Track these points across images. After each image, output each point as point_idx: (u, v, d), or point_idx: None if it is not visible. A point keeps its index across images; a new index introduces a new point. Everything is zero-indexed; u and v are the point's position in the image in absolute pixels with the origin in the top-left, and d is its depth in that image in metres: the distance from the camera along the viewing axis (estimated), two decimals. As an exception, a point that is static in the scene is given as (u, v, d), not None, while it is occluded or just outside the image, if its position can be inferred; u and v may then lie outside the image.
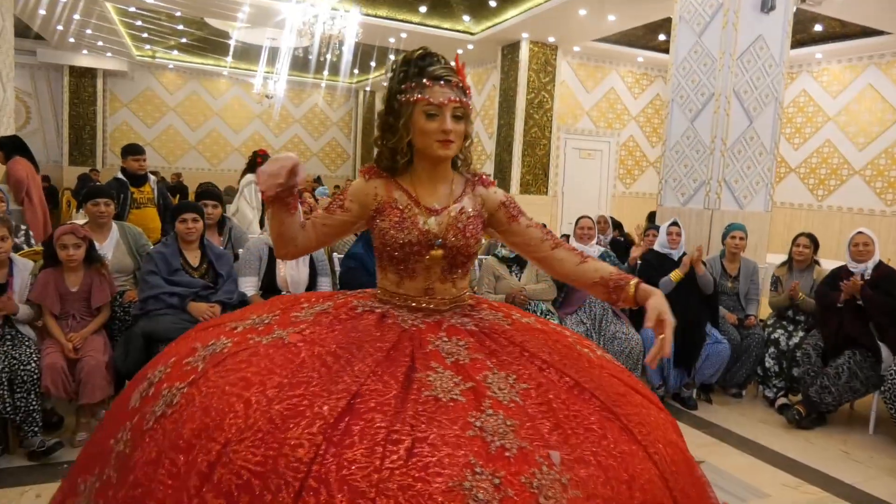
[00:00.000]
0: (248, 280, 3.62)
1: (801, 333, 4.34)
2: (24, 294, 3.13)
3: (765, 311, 4.84)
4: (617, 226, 6.51)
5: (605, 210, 10.28)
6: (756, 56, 5.15)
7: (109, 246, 3.80)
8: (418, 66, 1.63)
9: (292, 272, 3.62)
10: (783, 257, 4.81)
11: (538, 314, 4.12)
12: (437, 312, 1.66)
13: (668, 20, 7.63)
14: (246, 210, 5.36)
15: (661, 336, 1.52)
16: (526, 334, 1.65)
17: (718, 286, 4.70)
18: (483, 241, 1.84)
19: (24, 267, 3.17)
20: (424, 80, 1.61)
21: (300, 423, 1.23)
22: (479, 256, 4.69)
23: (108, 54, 12.85)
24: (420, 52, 1.65)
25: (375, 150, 1.73)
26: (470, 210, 1.70)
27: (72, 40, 11.59)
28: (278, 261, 3.59)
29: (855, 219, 8.55)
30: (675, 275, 4.27)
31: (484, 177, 1.79)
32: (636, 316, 4.49)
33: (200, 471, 1.20)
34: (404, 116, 1.63)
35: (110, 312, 3.41)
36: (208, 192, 4.15)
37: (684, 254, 4.43)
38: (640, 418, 1.46)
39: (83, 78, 13.42)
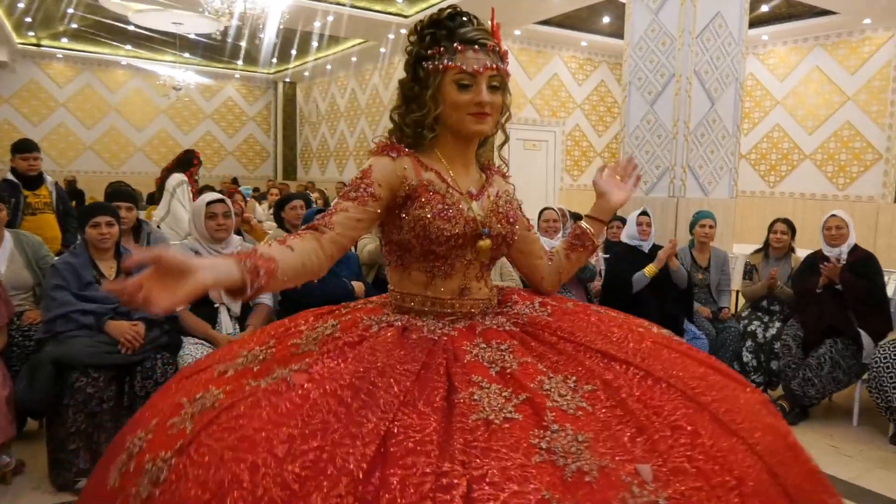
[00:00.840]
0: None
1: (777, 324, 4.41)
2: None
3: (737, 302, 4.92)
4: (576, 218, 6.51)
5: (554, 203, 10.36)
6: (715, 34, 5.24)
7: (2, 258, 3.47)
8: (447, 28, 1.49)
9: (228, 281, 3.36)
10: (748, 247, 4.90)
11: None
12: (468, 317, 1.53)
13: (612, 1, 7.75)
14: (180, 212, 5.10)
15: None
16: (572, 321, 1.52)
17: (690, 278, 4.74)
18: None
19: None
20: (456, 45, 1.48)
21: (322, 483, 1.04)
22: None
23: (-16, 42, 12.03)
24: (449, 10, 1.51)
25: (391, 125, 1.59)
26: (503, 193, 1.63)
27: (-62, 25, 10.77)
28: (211, 268, 3.33)
29: (808, 204, 8.93)
30: (650, 270, 4.26)
31: (504, 171, 1.73)
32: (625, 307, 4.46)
33: None
34: (432, 87, 1.50)
35: (6, 338, 3.08)
36: (121, 192, 3.84)
37: (655, 246, 4.44)
38: (729, 403, 1.31)
39: (-47, 69, 12.51)
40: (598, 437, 1.17)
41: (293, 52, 12.82)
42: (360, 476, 1.05)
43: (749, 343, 4.42)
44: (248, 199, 8.55)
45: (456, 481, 1.04)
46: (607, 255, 4.73)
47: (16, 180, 4.46)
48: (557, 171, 11.02)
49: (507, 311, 1.58)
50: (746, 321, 4.53)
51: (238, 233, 4.44)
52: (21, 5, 10.13)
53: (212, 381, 1.33)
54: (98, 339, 2.99)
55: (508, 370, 1.31)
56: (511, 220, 1.59)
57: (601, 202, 1.76)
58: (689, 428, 1.22)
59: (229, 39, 9.67)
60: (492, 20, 1.55)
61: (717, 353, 4.47)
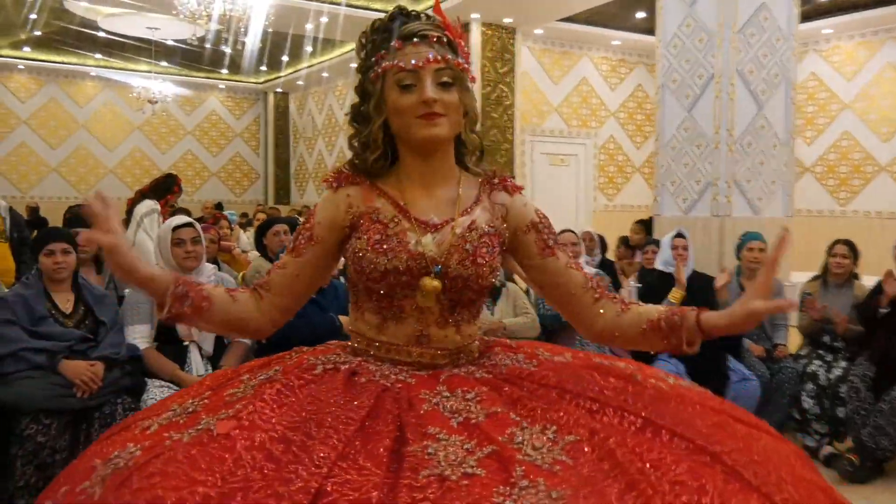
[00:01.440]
0: (139, 328, 3.45)
1: (843, 364, 4.40)
2: None
3: (796, 339, 4.92)
4: (603, 244, 6.57)
5: (587, 227, 10.42)
6: (760, 28, 5.33)
7: (-54, 293, 3.60)
8: (388, 31, 1.52)
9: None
10: (809, 275, 4.91)
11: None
12: (433, 368, 1.52)
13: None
14: (146, 245, 5.26)
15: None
16: (562, 372, 1.50)
17: (737, 310, 4.76)
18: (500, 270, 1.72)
19: None
20: (394, 43, 1.50)
21: None
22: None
23: (-64, 53, 12.50)
24: (392, 11, 1.54)
25: (351, 154, 1.62)
26: (484, 225, 1.56)
27: None
28: (180, 300, 3.44)
29: (886, 224, 8.90)
30: (675, 295, 4.29)
31: (508, 179, 1.66)
32: (639, 355, 4.49)
33: None
34: (375, 96, 1.52)
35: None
36: (80, 216, 3.98)
37: (695, 273, 4.48)
38: (751, 454, 1.30)
39: None
40: (579, 493, 1.16)
41: (284, 58, 13.14)
42: None
43: (809, 386, 4.40)
44: (234, 225, 8.72)
45: None
46: (639, 285, 4.78)
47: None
48: (589, 190, 11.11)
49: (483, 362, 1.56)
50: (806, 360, 4.53)
51: (214, 262, 4.56)
52: (-22, 11, 10.54)
53: (132, 438, 1.35)
54: (51, 381, 3.08)
55: (473, 421, 1.31)
56: (480, 259, 1.52)
57: (724, 322, 1.47)
58: (694, 483, 1.20)
59: (209, 45, 9.93)
60: (437, 8, 1.56)
61: (772, 398, 4.48)
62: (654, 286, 4.56)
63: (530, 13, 9.26)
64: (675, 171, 5.66)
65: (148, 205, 5.63)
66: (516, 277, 4.50)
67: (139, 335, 3.48)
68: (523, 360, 1.56)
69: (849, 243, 4.72)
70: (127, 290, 3.80)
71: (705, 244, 5.38)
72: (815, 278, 4.80)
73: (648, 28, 10.11)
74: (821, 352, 4.56)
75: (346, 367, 1.49)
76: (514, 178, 1.71)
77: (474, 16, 9.32)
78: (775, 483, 1.26)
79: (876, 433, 3.96)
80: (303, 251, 1.55)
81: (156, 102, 12.92)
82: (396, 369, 1.50)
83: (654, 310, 1.56)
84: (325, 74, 14.00)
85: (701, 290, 4.36)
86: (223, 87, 16.08)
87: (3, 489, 2.97)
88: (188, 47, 11.36)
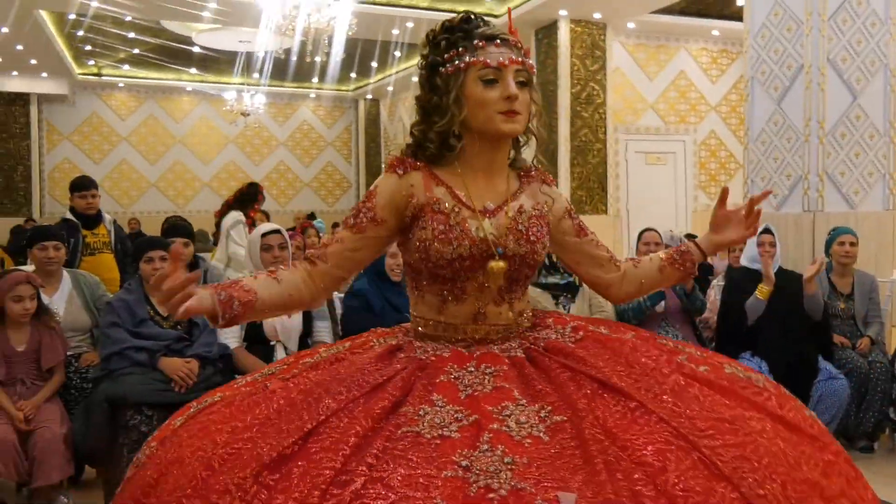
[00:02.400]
0: (229, 330, 3.88)
1: (943, 362, 4.43)
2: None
3: (893, 339, 4.94)
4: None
5: (686, 227, 10.42)
6: (853, 14, 5.36)
7: (61, 299, 4.11)
8: (463, 31, 1.69)
9: (282, 318, 3.86)
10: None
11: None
12: (485, 342, 1.72)
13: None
14: (240, 253, 5.63)
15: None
16: (597, 348, 1.69)
17: (828, 308, 4.83)
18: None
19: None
20: (476, 42, 1.66)
21: (233, 469, 1.37)
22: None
23: (44, 74, 13.59)
24: (463, 14, 1.72)
25: (411, 140, 1.80)
26: (530, 209, 1.76)
27: (-1, 61, 12.34)
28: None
29: None
30: (762, 291, 4.42)
31: (546, 174, 1.88)
32: (723, 349, 4.63)
33: None
34: (454, 89, 1.66)
35: (64, 377, 3.69)
36: (176, 227, 4.48)
37: (781, 270, 4.59)
38: (743, 450, 1.42)
39: (13, 106, 14.18)
40: (533, 462, 1.34)
41: (373, 65, 13.59)
42: (268, 462, 1.36)
43: (906, 385, 4.45)
44: (322, 234, 9.23)
45: (355, 479, 1.30)
46: (722, 283, 4.91)
47: (75, 220, 5.22)
48: (689, 189, 11.10)
49: (529, 336, 1.76)
50: (903, 358, 4.58)
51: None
52: (80, 33, 11.43)
53: (229, 387, 1.74)
54: (152, 377, 3.54)
55: (478, 392, 1.52)
56: (532, 237, 1.72)
57: (712, 235, 1.92)
58: (657, 464, 1.35)
59: (293, 57, 10.49)
60: (509, 18, 1.81)
61: (867, 396, 4.54)
62: (740, 283, 4.69)
63: (621, 7, 9.36)
64: (766, 166, 5.75)
65: (233, 216, 6.00)
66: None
67: (229, 335, 3.90)
68: (568, 334, 1.75)
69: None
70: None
71: (797, 240, 5.46)
72: (915, 274, 4.83)
73: (748, 16, 10.06)
74: (920, 350, 4.60)
75: (394, 343, 1.75)
76: (551, 174, 1.95)
77: (562, 12, 9.50)
78: (758, 479, 1.36)
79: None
80: (364, 228, 1.70)
81: (248, 114, 13.64)
82: (441, 346, 1.71)
83: (660, 252, 1.95)
84: (414, 79, 14.36)
85: (786, 287, 4.49)
86: (314, 96, 16.66)
87: (112, 477, 3.40)
88: (278, 59, 11.97)
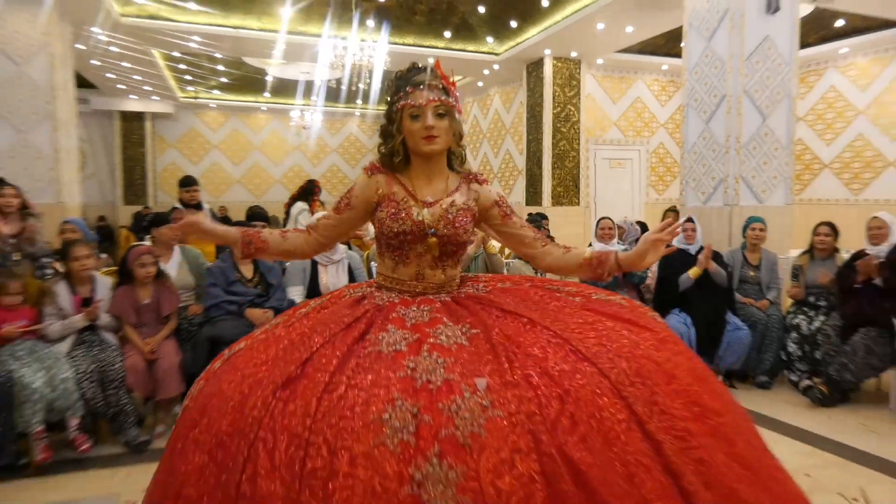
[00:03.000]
0: (295, 289, 4.09)
1: (822, 318, 4.57)
2: (105, 306, 3.67)
3: (786, 302, 5.08)
4: (644, 229, 6.81)
5: (640, 216, 10.52)
6: (765, 56, 5.44)
7: (173, 266, 4.33)
8: (405, 79, 1.87)
9: (332, 279, 4.07)
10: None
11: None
12: (424, 295, 1.87)
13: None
14: None
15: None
16: (501, 294, 1.86)
17: (741, 275, 4.98)
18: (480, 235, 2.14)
19: (104, 283, 3.72)
20: (408, 89, 1.84)
21: (257, 390, 1.53)
22: (507, 260, 5.09)
23: (155, 98, 13.78)
24: (409, 66, 1.91)
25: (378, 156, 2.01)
26: (460, 203, 1.90)
27: (121, 87, 12.52)
28: (320, 270, 4.06)
29: (894, 209, 8.60)
30: (694, 272, 4.59)
31: (479, 175, 1.99)
32: (658, 307, 4.79)
33: (194, 437, 1.55)
34: (396, 122, 1.87)
35: (177, 322, 3.92)
36: (257, 214, 4.68)
37: (702, 248, 4.73)
38: (600, 340, 1.61)
39: (133, 122, 14.39)
40: (458, 360, 1.52)
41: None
42: (281, 382, 1.52)
43: (794, 335, 4.59)
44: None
45: (339, 386, 1.48)
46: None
47: (182, 208, 5.44)
48: (643, 187, 11.17)
49: (454, 291, 1.92)
50: (792, 315, 4.71)
51: (348, 245, 5.19)
52: (182, 66, 11.63)
53: (251, 336, 1.85)
54: (240, 322, 3.77)
55: (419, 321, 1.69)
56: (457, 224, 1.86)
57: (634, 258, 1.86)
58: (540, 354, 1.54)
59: (343, 85, 10.62)
60: (437, 66, 1.90)
61: (764, 343, 4.69)
62: (672, 260, 4.83)
63: (592, 47, 9.36)
64: (696, 171, 5.86)
65: (299, 206, 6.22)
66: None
67: (295, 293, 4.12)
68: (481, 288, 1.94)
69: (830, 224, 4.84)
70: (288, 263, 4.45)
71: (719, 227, 5.58)
72: (804, 253, 4.94)
73: (690, 55, 10.07)
74: (805, 308, 4.73)
75: (360, 294, 1.91)
76: (484, 175, 2.03)
77: (546, 51, 9.56)
78: (610, 358, 1.54)
79: (841, 369, 4.14)
80: (342, 211, 1.94)
81: (308, 128, 13.76)
82: (393, 295, 1.87)
83: (587, 251, 1.95)
84: (434, 102, 14.50)
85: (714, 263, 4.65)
86: (359, 114, 16.68)
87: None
88: (331, 86, 12.09)
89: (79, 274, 3.59)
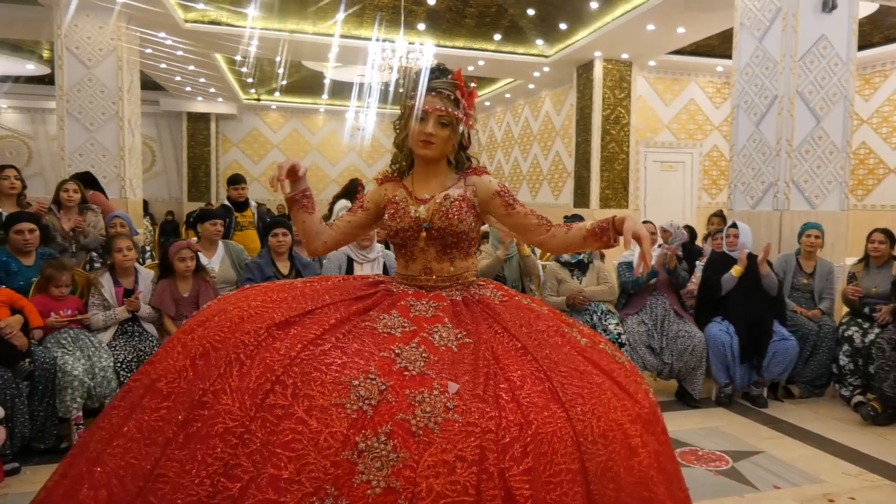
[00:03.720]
0: (331, 285, 4.06)
1: (876, 330, 4.25)
2: (147, 297, 3.72)
3: (840, 312, 4.77)
4: (693, 234, 6.52)
5: (691, 221, 10.14)
6: (820, 56, 5.11)
7: (217, 260, 4.38)
8: (418, 81, 1.88)
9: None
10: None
11: (598, 314, 4.32)
12: (437, 288, 1.87)
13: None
14: None
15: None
16: (512, 310, 1.81)
17: (793, 282, 4.70)
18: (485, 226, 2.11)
19: (146, 275, 3.78)
20: (419, 91, 1.86)
21: (256, 320, 1.63)
22: (543, 262, 4.94)
23: (220, 100, 14.16)
24: (433, 66, 1.91)
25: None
26: (455, 195, 1.88)
27: (188, 89, 12.90)
28: (355, 268, 4.01)
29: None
30: (737, 270, 4.36)
31: (477, 167, 1.97)
32: (700, 315, 4.56)
33: (185, 342, 1.64)
34: (405, 118, 1.91)
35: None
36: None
37: (751, 255, 4.48)
38: (581, 390, 1.54)
39: (199, 122, 14.84)
40: (441, 360, 1.54)
41: (456, 93, 13.56)
42: (278, 322, 1.61)
43: (846, 347, 4.29)
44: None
45: (326, 343, 1.56)
46: (702, 263, 4.82)
47: (230, 205, 5.51)
48: (695, 191, 10.76)
49: (470, 290, 1.89)
50: (845, 327, 4.40)
51: (385, 245, 5.14)
52: (245, 70, 11.89)
53: (268, 283, 2.05)
54: (273, 318, 3.76)
55: (421, 315, 1.72)
56: (451, 215, 1.84)
57: (622, 227, 1.75)
58: (518, 382, 1.51)
59: (391, 87, 10.64)
60: (457, 75, 1.90)
61: (814, 354, 4.40)
62: (716, 263, 4.61)
63: (644, 49, 9.10)
64: (745, 174, 5.56)
65: (342, 203, 6.19)
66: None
67: (330, 290, 4.10)
68: (499, 296, 1.90)
69: (886, 231, 4.51)
70: (324, 260, 4.44)
71: (767, 232, 5.28)
72: (860, 261, 4.62)
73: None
74: (859, 320, 4.41)
75: (381, 280, 1.97)
76: (483, 166, 2.01)
77: (597, 54, 9.32)
78: (581, 411, 1.49)
79: (895, 385, 3.83)
80: (356, 212, 2.01)
81: (362, 129, 13.87)
82: (409, 288, 1.89)
83: (588, 224, 1.86)
84: (486, 104, 14.43)
85: (752, 268, 4.39)
86: (413, 116, 16.79)
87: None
88: (383, 88, 12.15)
89: (122, 265, 3.65)
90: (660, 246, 4.63)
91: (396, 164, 2.00)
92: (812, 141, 5.17)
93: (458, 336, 1.65)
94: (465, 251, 1.93)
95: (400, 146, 1.97)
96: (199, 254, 4.25)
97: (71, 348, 3.30)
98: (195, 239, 4.46)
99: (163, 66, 10.43)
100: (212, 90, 13.10)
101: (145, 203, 13.05)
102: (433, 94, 1.85)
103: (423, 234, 1.86)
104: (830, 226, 5.09)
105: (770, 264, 4.53)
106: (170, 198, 14.67)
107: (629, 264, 4.73)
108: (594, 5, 7.84)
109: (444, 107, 1.85)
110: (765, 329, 4.28)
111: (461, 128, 1.90)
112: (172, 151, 14.95)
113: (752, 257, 4.47)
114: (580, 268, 4.55)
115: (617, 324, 4.31)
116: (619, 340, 4.22)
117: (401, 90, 1.97)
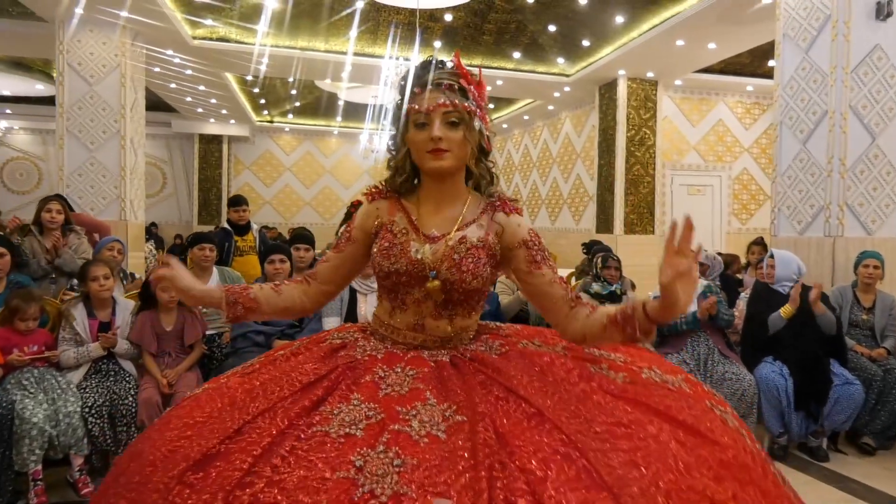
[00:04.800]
0: (332, 320, 3.64)
1: (953, 373, 3.74)
2: (126, 331, 3.33)
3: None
4: (728, 262, 6.05)
5: (721, 248, 9.64)
6: (874, 68, 4.67)
7: (209, 289, 3.99)
8: (417, 76, 1.48)
9: (372, 309, 3.59)
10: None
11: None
12: (423, 349, 1.46)
13: (774, 44, 7.21)
14: None
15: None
16: (515, 361, 1.40)
17: (851, 318, 4.21)
18: (501, 278, 1.63)
19: (125, 306, 3.39)
20: (415, 89, 1.46)
21: (169, 466, 1.18)
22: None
23: (232, 121, 13.98)
24: (424, 60, 1.50)
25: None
26: (474, 239, 1.46)
27: (200, 110, 12.72)
28: (359, 299, 3.60)
29: None
30: (786, 310, 3.87)
31: (508, 201, 1.53)
32: (746, 353, 4.07)
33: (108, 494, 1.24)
34: (401, 131, 1.50)
35: (203, 350, 3.54)
36: (301, 235, 4.29)
37: (804, 287, 4.00)
38: (632, 456, 1.13)
39: (211, 144, 14.66)
40: (422, 464, 1.10)
41: (473, 114, 13.29)
42: (195, 462, 1.16)
43: (918, 391, 3.78)
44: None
45: (257, 481, 1.10)
46: (746, 295, 4.34)
47: (229, 228, 5.14)
48: (724, 216, 10.27)
49: (461, 346, 1.48)
50: (917, 368, 3.90)
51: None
52: (257, 90, 11.70)
53: (212, 381, 1.52)
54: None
55: (394, 392, 1.27)
56: (464, 268, 1.42)
57: (665, 305, 1.28)
58: (539, 473, 1.09)
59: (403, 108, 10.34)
60: (456, 57, 1.50)
61: (881, 400, 3.89)
62: (763, 295, 4.14)
63: (670, 67, 8.73)
64: (791, 198, 5.10)
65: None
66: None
67: (331, 324, 3.66)
68: (496, 347, 1.47)
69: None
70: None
71: (818, 261, 4.79)
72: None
73: (778, 74, 9.22)
74: (934, 361, 3.90)
75: (340, 342, 1.50)
76: (517, 202, 1.56)
77: (621, 72, 8.96)
78: (642, 491, 1.07)
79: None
80: (343, 248, 1.56)
81: (375, 151, 13.61)
82: (383, 346, 1.46)
83: (612, 307, 1.40)
84: (504, 126, 14.11)
85: (804, 302, 3.90)
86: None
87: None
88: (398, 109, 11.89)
89: (97, 296, 3.26)
90: (708, 291, 4.12)
91: (401, 176, 1.53)
92: (867, 160, 4.70)
93: (447, 414, 1.22)
94: (470, 308, 1.51)
95: (400, 168, 1.52)
96: (190, 281, 3.86)
97: (33, 390, 2.90)
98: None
99: (172, 85, 10.23)
100: (223, 111, 12.91)
101: (153, 225, 12.91)
102: (430, 88, 1.44)
103: (434, 283, 1.43)
104: (890, 254, 4.59)
105: (826, 297, 4.04)
106: (180, 221, 14.45)
107: (666, 296, 4.26)
108: (619, 20, 7.48)
109: (450, 100, 1.43)
110: (823, 371, 3.78)
111: (477, 124, 1.46)
112: (184, 174, 14.77)
113: (803, 289, 3.98)
114: (612, 300, 4.10)
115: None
116: (659, 383, 3.74)
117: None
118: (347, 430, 1.18)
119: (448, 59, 1.50)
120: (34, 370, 3.03)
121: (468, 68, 1.50)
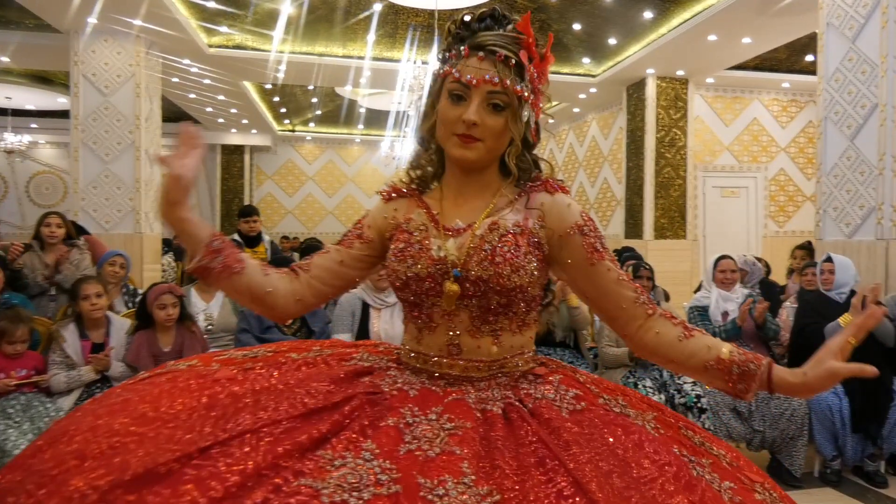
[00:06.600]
0: (342, 336, 3.41)
1: None
2: (121, 352, 3.14)
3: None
4: (767, 268, 5.69)
5: (757, 251, 9.21)
6: (930, 55, 4.31)
7: (216, 305, 3.81)
8: (472, 31, 1.16)
9: (386, 326, 3.36)
10: None
11: (662, 374, 3.56)
12: (468, 382, 1.14)
13: (814, 37, 6.81)
14: None
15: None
16: (594, 430, 1.06)
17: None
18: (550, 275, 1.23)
19: (120, 326, 3.20)
20: (462, 48, 1.15)
21: (97, 468, 0.88)
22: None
23: (254, 131, 13.93)
24: (485, 11, 1.17)
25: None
26: (509, 224, 1.16)
27: (221, 121, 12.68)
28: (371, 315, 3.36)
29: None
30: (845, 318, 3.51)
31: (548, 178, 1.23)
32: (794, 363, 3.73)
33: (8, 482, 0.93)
34: (433, 95, 1.20)
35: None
36: (312, 246, 4.08)
37: (853, 293, 3.66)
38: None
39: (233, 154, 14.64)
40: None
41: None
42: (132, 477, 0.86)
43: None
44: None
45: None
46: (795, 305, 4.00)
47: (239, 239, 4.96)
48: (760, 218, 9.82)
49: (521, 388, 1.14)
50: None
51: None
52: (277, 99, 11.63)
53: (197, 357, 1.27)
54: (269, 378, 3.12)
55: (419, 454, 0.95)
56: (498, 258, 1.12)
57: (809, 382, 1.07)
58: None
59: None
60: (525, 23, 1.15)
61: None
62: (813, 305, 3.80)
63: (701, 65, 8.38)
64: (838, 198, 4.73)
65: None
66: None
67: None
68: (569, 398, 1.12)
69: None
70: (337, 307, 3.80)
71: (869, 267, 4.42)
72: None
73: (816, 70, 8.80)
74: None
75: (368, 365, 1.20)
76: (562, 180, 1.25)
77: (649, 71, 8.62)
78: None
79: None
80: (351, 244, 1.27)
81: (396, 158, 13.41)
82: (418, 380, 1.15)
83: (723, 347, 1.10)
84: (528, 130, 13.82)
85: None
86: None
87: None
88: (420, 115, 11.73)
89: (89, 316, 3.07)
90: (748, 297, 3.81)
91: (418, 170, 1.26)
92: (923, 157, 4.33)
93: (479, 497, 0.88)
94: (519, 319, 1.18)
95: (426, 140, 1.24)
96: (195, 297, 3.68)
97: (18, 419, 2.72)
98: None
99: (192, 95, 10.17)
100: (244, 121, 12.86)
101: (172, 238, 12.88)
102: (480, 54, 1.14)
103: (451, 286, 1.12)
104: (950, 258, 4.22)
105: (881, 305, 3.68)
106: (203, 232, 14.45)
107: (703, 309, 3.95)
108: (647, 16, 7.16)
109: (501, 77, 1.12)
110: (883, 389, 3.43)
111: (526, 114, 1.16)
112: (206, 185, 14.76)
113: (851, 297, 3.64)
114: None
115: (694, 383, 3.52)
116: (699, 404, 3.43)
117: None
118: (345, 496, 0.85)
119: (515, 16, 1.18)
120: (21, 396, 2.85)
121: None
